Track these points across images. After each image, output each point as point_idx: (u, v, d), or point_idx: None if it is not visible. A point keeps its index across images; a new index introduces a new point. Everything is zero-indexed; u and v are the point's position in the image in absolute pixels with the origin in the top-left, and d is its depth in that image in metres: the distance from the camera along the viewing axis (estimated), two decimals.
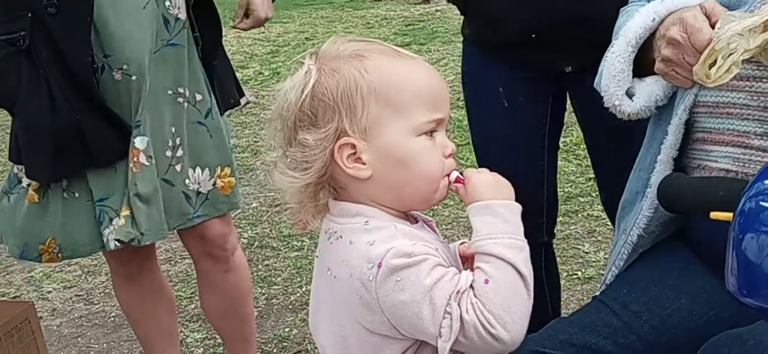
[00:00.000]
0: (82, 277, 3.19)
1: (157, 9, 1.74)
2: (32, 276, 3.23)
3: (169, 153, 1.80)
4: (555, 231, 1.96)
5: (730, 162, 1.17)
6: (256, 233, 3.39)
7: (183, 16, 1.79)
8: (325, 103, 1.06)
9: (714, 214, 0.87)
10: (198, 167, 1.85)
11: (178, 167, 1.82)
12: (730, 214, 0.81)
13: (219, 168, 1.87)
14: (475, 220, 1.06)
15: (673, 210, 1.12)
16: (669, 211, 1.14)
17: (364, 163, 1.06)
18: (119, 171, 1.76)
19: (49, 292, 3.10)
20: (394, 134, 1.06)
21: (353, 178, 1.08)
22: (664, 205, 1.04)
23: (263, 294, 2.92)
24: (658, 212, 1.24)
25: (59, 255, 1.83)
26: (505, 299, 1.01)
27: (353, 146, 1.06)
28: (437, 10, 8.10)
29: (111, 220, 1.77)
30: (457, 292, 1.01)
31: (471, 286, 1.02)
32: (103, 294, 3.05)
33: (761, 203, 0.75)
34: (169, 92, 1.79)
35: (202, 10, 1.84)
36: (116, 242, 1.77)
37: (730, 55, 0.96)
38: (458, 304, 1.01)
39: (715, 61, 1.03)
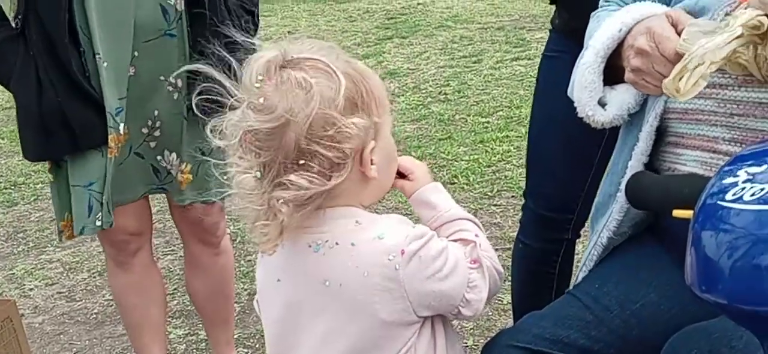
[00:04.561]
0: (64, 275, 3.18)
1: None
2: (14, 273, 3.22)
3: (145, 130, 1.88)
4: (580, 232, 1.95)
5: (699, 165, 1.19)
6: (239, 228, 3.39)
7: (181, 7, 1.82)
8: (353, 104, 1.07)
9: (676, 213, 0.89)
10: (173, 153, 1.92)
11: (151, 144, 1.90)
12: (691, 212, 0.83)
13: (184, 163, 1.93)
14: (435, 197, 1.23)
15: (640, 207, 1.14)
16: (636, 207, 1.17)
17: (373, 164, 1.10)
18: (105, 155, 1.82)
19: (31, 289, 3.10)
20: (388, 133, 1.13)
21: (359, 181, 1.10)
22: (631, 201, 1.07)
23: (246, 289, 2.93)
24: (629, 214, 1.27)
25: (73, 232, 1.91)
26: (488, 244, 1.20)
27: (372, 147, 1.09)
28: (419, 4, 8.11)
29: (101, 205, 1.83)
30: (471, 249, 1.15)
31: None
32: (84, 291, 3.05)
33: (718, 202, 0.78)
34: (161, 78, 1.84)
35: (194, 7, 1.84)
36: (99, 227, 1.85)
37: (697, 67, 0.99)
38: (477, 257, 1.15)
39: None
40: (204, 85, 1.09)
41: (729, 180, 0.79)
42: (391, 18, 7.57)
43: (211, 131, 1.10)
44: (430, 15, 7.54)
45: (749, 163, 0.81)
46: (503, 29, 6.90)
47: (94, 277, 3.13)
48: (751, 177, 0.77)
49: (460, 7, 7.80)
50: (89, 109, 1.77)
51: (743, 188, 0.76)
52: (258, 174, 1.07)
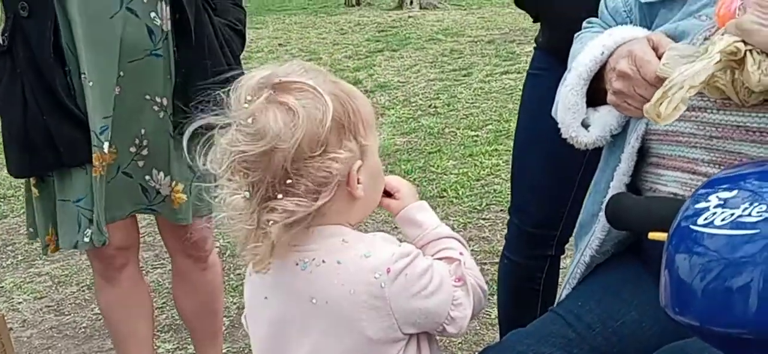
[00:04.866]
0: (53, 288, 3.18)
1: (137, 19, 1.79)
2: (2, 287, 3.22)
3: (133, 149, 1.88)
4: (565, 248, 1.97)
5: (679, 186, 1.21)
6: (229, 242, 3.40)
7: (167, 27, 1.83)
8: (340, 126, 1.09)
9: (652, 235, 0.91)
10: (161, 172, 1.92)
11: (140, 163, 1.90)
12: (666, 235, 0.85)
13: (175, 182, 1.93)
14: (421, 216, 1.24)
15: (619, 228, 1.17)
16: (616, 228, 1.19)
17: (359, 183, 1.12)
18: (90, 172, 1.83)
19: (20, 303, 3.10)
20: (375, 153, 1.15)
21: (346, 200, 1.12)
22: (611, 222, 1.09)
23: (235, 303, 2.94)
24: (611, 234, 1.29)
25: (58, 245, 1.92)
26: (473, 263, 1.22)
27: (358, 167, 1.11)
28: (410, 17, 8.15)
29: (90, 221, 1.84)
30: (455, 267, 1.16)
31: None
32: (73, 305, 3.05)
33: (691, 226, 0.80)
34: (146, 97, 1.85)
35: (180, 28, 1.86)
36: (91, 244, 1.86)
37: (676, 92, 1.02)
38: (462, 275, 1.15)
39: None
40: (195, 116, 1.11)
41: (701, 204, 0.81)
42: (382, 31, 7.60)
43: (203, 156, 1.12)
44: (420, 28, 7.59)
45: (724, 186, 0.84)
46: (493, 43, 6.94)
47: (83, 291, 3.13)
48: (722, 202, 0.79)
49: (451, 21, 7.84)
50: (74, 128, 1.78)
51: (714, 213, 0.78)
52: (247, 194, 1.09)
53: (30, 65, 1.76)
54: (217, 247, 3.37)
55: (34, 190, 1.91)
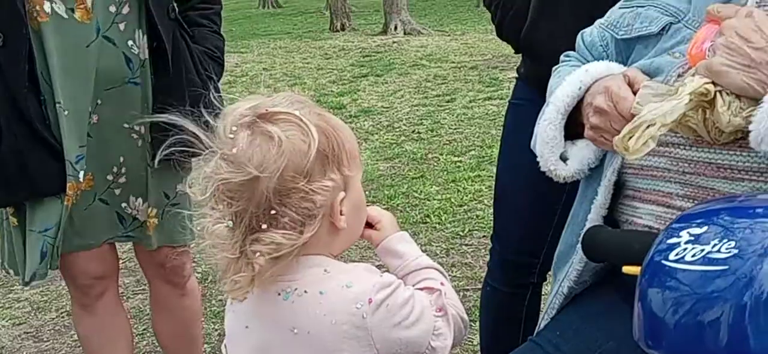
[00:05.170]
0: (32, 314, 3.15)
1: (114, 47, 1.79)
2: None
3: (110, 177, 1.88)
4: (547, 276, 1.96)
5: (653, 219, 1.23)
6: (210, 267, 3.38)
7: (144, 56, 1.83)
8: (325, 157, 1.10)
9: (626, 269, 0.93)
10: (140, 198, 1.92)
11: (117, 191, 1.90)
12: (639, 268, 0.87)
13: (151, 208, 1.93)
14: (402, 247, 1.26)
15: (595, 260, 1.19)
16: (592, 260, 1.21)
17: (342, 215, 1.13)
18: (63, 201, 1.81)
19: None
20: (358, 184, 1.16)
21: (329, 231, 1.13)
22: (587, 254, 1.11)
23: (216, 329, 2.92)
24: (589, 265, 1.31)
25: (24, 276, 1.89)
26: (454, 293, 1.23)
27: (342, 199, 1.12)
28: (394, 42, 8.20)
29: (54, 249, 1.82)
30: (436, 297, 1.17)
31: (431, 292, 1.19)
32: (52, 331, 3.02)
33: (663, 261, 0.82)
34: (125, 126, 1.85)
35: (158, 56, 1.87)
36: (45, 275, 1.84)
37: (647, 127, 1.04)
38: (443, 306, 1.17)
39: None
40: (177, 136, 1.11)
41: (673, 240, 0.83)
42: (367, 56, 7.65)
43: (185, 182, 1.13)
44: (404, 54, 7.64)
45: (696, 221, 0.86)
46: (476, 68, 7.00)
47: (63, 317, 3.11)
48: (693, 238, 0.81)
49: (435, 46, 7.91)
50: (49, 157, 1.77)
51: (685, 249, 0.80)
52: (230, 223, 1.10)
53: (4, 94, 1.74)
54: (198, 273, 3.36)
55: (13, 220, 1.89)
